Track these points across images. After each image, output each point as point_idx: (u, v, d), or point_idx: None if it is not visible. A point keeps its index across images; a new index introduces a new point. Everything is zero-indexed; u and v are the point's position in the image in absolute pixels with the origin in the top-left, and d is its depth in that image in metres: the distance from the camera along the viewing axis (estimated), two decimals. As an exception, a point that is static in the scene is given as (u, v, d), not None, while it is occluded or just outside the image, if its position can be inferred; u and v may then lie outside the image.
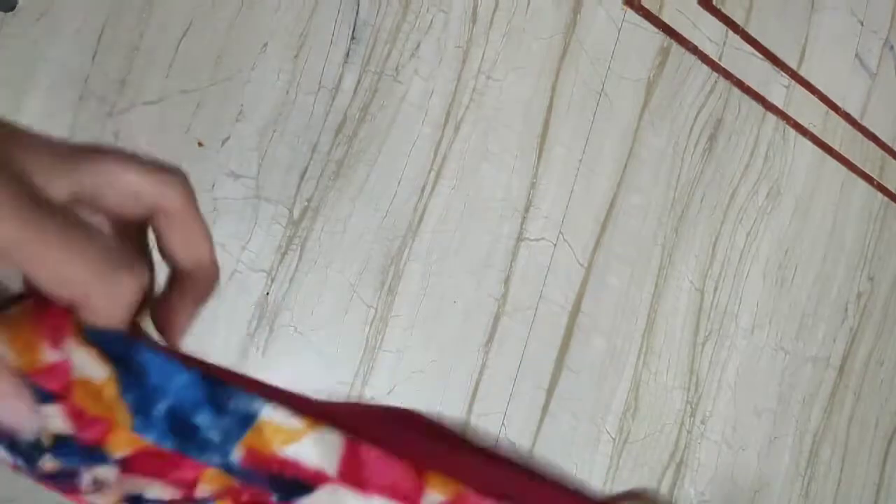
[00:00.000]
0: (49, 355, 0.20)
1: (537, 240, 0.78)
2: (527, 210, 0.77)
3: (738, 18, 0.94)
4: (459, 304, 0.73)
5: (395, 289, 0.69)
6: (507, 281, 0.76)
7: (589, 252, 0.83)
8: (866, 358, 1.18)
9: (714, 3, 0.92)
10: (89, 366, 0.20)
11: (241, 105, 0.63)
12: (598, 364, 0.85)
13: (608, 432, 0.86)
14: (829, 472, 1.13)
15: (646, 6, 0.85)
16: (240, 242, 0.64)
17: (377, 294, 0.70)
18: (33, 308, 0.20)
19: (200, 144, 0.63)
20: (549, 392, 0.81)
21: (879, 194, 1.16)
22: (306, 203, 0.67)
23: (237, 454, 0.21)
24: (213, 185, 0.63)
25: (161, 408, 0.20)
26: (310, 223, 0.67)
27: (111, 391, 0.20)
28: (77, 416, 0.21)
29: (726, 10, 0.93)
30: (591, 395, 0.84)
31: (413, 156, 0.70)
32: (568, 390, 0.82)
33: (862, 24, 1.11)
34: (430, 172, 0.71)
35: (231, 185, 0.64)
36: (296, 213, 0.66)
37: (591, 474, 0.84)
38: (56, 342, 0.20)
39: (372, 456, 0.22)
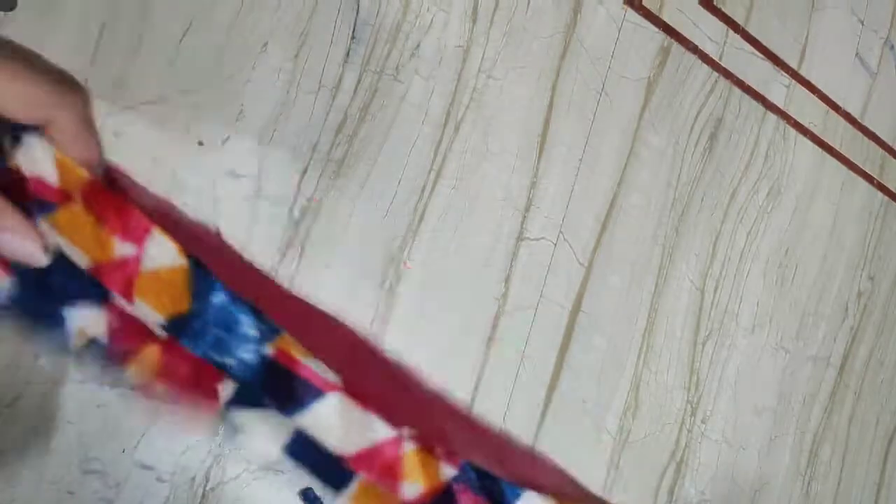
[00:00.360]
0: (120, 249, 0.21)
1: (538, 239, 0.78)
2: (527, 209, 0.77)
3: (739, 18, 0.94)
4: (460, 304, 0.73)
5: (395, 289, 0.69)
6: (507, 280, 0.76)
7: (589, 251, 0.83)
8: (867, 357, 1.18)
9: (715, 2, 0.92)
10: (169, 253, 0.22)
11: (242, 105, 0.63)
12: (599, 363, 0.85)
13: (609, 431, 0.86)
14: (830, 472, 1.13)
15: (646, 6, 0.85)
16: (240, 242, 0.64)
17: (377, 294, 0.70)
18: (91, 202, 0.21)
19: (200, 144, 0.63)
20: (550, 391, 0.81)
21: (880, 193, 1.16)
22: (306, 203, 0.67)
23: (270, 350, 0.24)
24: (214, 185, 0.63)
25: (216, 300, 0.23)
26: (310, 223, 0.67)
27: (183, 278, 0.22)
28: (117, 327, 0.23)
29: (727, 10, 0.93)
30: (592, 394, 0.84)
31: (413, 155, 0.70)
32: (568, 389, 0.82)
33: (862, 23, 1.11)
34: (430, 172, 0.71)
35: (231, 184, 0.64)
36: (296, 213, 0.66)
37: (592, 474, 0.85)
38: (137, 233, 0.21)
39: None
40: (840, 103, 1.08)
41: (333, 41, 0.65)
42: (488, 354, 0.75)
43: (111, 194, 0.21)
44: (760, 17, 0.97)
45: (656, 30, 0.86)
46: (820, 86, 1.05)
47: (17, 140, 0.21)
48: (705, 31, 0.91)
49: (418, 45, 0.69)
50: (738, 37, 0.94)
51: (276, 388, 0.25)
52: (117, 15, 0.55)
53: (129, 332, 0.24)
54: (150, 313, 0.23)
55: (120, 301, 0.23)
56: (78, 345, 0.23)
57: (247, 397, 0.25)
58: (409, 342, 0.70)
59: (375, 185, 0.67)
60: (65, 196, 0.21)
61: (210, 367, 0.24)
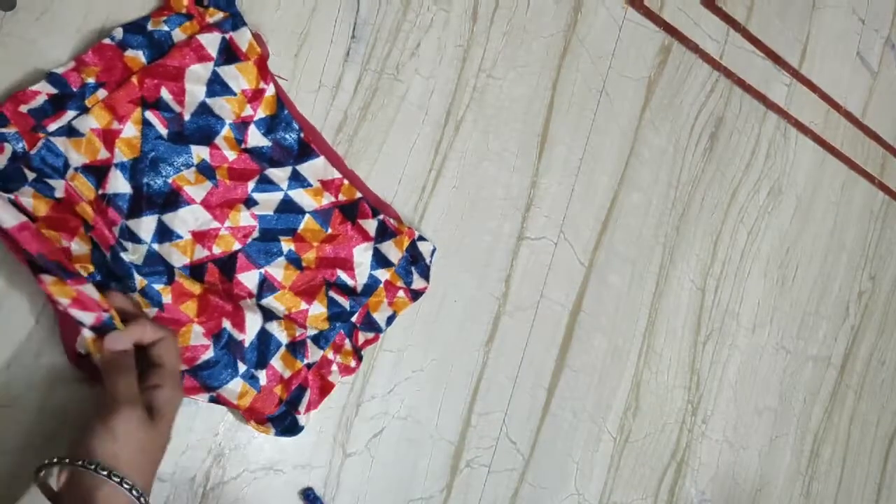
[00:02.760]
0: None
1: (538, 239, 0.78)
2: (527, 209, 0.77)
3: (740, 17, 0.94)
4: (460, 304, 0.73)
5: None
6: (507, 280, 0.76)
7: (590, 251, 0.83)
8: (867, 357, 1.18)
9: (716, 1, 0.91)
10: (272, 89, 0.60)
11: (242, 104, 0.63)
12: (600, 363, 0.84)
13: (609, 431, 0.86)
14: (831, 472, 1.13)
15: (647, 5, 0.85)
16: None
17: (378, 293, 0.70)
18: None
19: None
20: (550, 391, 0.80)
21: (881, 193, 1.16)
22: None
23: (301, 135, 0.63)
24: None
25: (285, 111, 0.62)
26: (310, 222, 0.67)
27: (274, 100, 0.61)
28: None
29: (728, 9, 0.93)
30: (593, 394, 0.84)
31: (413, 155, 0.70)
32: (569, 389, 0.82)
33: (863, 22, 1.11)
34: (430, 172, 0.71)
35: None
36: (296, 213, 0.66)
37: (592, 474, 0.84)
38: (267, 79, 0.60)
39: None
40: (841, 102, 1.08)
41: (333, 40, 0.65)
42: (488, 354, 0.75)
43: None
44: (761, 15, 0.96)
45: (657, 29, 0.86)
46: (821, 85, 1.05)
47: None
48: (706, 30, 0.91)
49: (418, 45, 0.69)
50: (738, 36, 0.94)
51: (300, 152, 0.62)
52: (118, 14, 0.55)
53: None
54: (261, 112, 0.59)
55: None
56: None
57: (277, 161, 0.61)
58: (409, 342, 0.70)
59: (376, 184, 0.67)
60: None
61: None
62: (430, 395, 0.72)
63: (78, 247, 0.50)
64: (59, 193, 0.50)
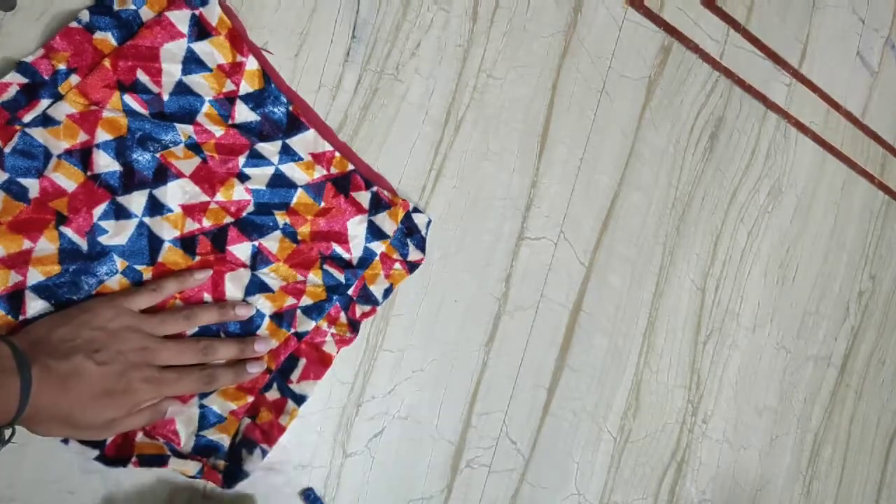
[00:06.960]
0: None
1: (538, 239, 0.78)
2: (528, 209, 0.77)
3: (740, 17, 0.94)
4: (460, 304, 0.73)
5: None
6: (507, 280, 0.76)
7: (590, 251, 0.83)
8: (868, 357, 1.18)
9: (716, 1, 0.91)
10: (255, 63, 0.61)
11: (242, 104, 0.63)
12: (600, 363, 0.84)
13: (609, 431, 0.86)
14: (831, 471, 1.13)
15: (647, 5, 0.85)
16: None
17: (378, 293, 0.70)
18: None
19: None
20: (550, 391, 0.80)
21: (881, 193, 1.16)
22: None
23: (290, 108, 0.62)
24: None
25: (272, 85, 0.62)
26: (310, 222, 0.67)
27: (260, 75, 0.61)
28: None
29: (727, 9, 0.93)
30: (593, 394, 0.84)
31: (413, 155, 0.70)
32: (569, 389, 0.82)
33: (863, 22, 1.11)
34: (430, 172, 0.71)
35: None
36: (296, 213, 0.66)
37: (593, 474, 0.84)
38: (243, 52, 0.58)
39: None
40: (841, 102, 1.08)
41: (333, 40, 0.65)
42: (488, 354, 0.75)
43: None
44: (761, 15, 0.96)
45: (657, 29, 0.86)
46: (821, 85, 1.05)
47: None
48: (706, 30, 0.91)
49: (418, 45, 0.69)
50: (738, 36, 0.94)
51: (290, 126, 0.60)
52: (117, 14, 0.55)
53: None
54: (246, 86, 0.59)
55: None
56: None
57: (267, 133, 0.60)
58: (409, 342, 0.70)
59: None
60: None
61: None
62: (430, 395, 0.72)
63: (44, 245, 0.50)
64: (32, 194, 0.50)
